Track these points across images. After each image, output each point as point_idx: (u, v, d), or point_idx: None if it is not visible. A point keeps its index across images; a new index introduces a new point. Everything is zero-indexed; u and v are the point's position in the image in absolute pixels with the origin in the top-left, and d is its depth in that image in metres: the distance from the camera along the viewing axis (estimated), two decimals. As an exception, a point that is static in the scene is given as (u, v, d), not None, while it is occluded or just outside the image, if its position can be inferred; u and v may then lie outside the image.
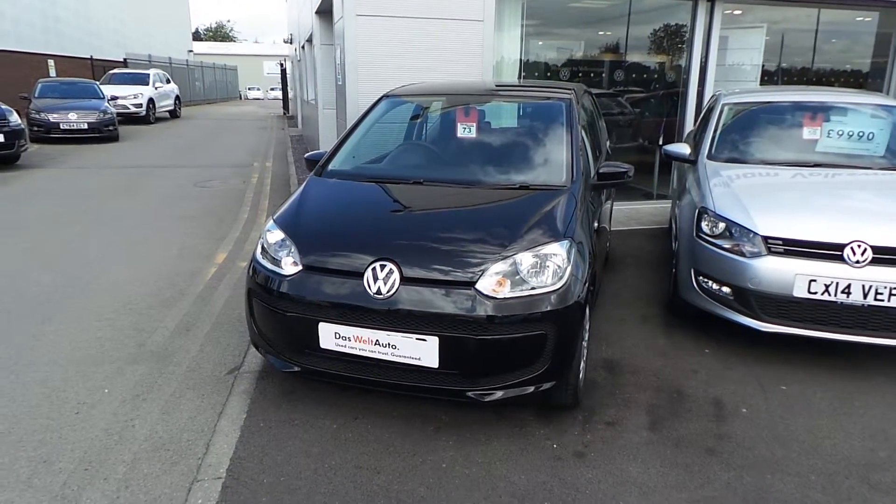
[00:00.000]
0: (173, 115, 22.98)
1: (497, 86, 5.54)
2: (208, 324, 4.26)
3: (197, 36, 61.10)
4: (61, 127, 14.12)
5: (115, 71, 21.88)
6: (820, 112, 4.94)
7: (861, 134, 4.81)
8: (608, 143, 5.57)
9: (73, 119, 14.19)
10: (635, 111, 8.99)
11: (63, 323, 4.21)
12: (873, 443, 2.99)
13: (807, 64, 9.35)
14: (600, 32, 8.88)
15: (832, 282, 3.47)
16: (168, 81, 23.11)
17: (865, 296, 3.44)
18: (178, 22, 38.83)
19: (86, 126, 14.26)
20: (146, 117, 19.66)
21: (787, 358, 3.82)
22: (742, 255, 3.73)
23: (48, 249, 5.96)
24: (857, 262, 3.45)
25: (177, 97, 23.46)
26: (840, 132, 4.84)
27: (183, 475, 2.68)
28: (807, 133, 4.85)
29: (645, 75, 8.94)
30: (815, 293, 3.51)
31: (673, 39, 8.72)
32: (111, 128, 14.73)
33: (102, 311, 4.43)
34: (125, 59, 27.31)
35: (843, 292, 3.47)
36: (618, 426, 3.09)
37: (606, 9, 8.61)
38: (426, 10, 6.73)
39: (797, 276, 3.53)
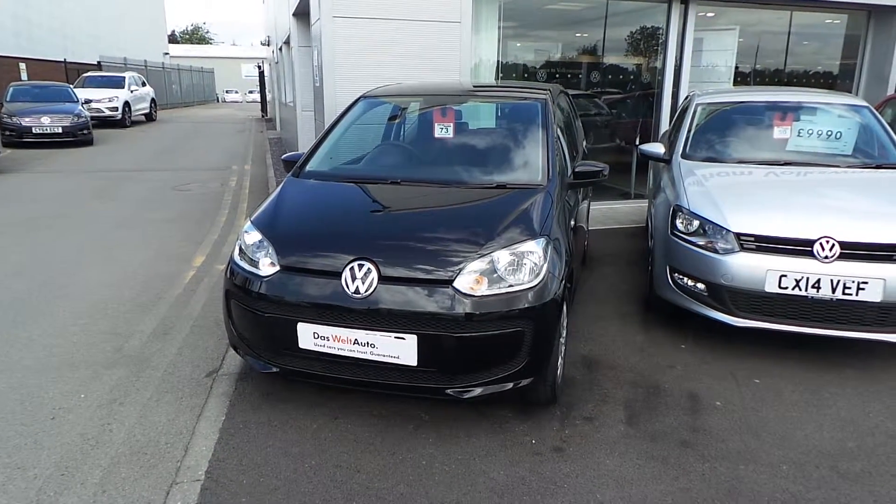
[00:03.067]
0: (149, 118, 22.71)
1: (474, 87, 5.58)
2: (186, 327, 4.23)
3: (173, 38, 60.44)
4: (34, 131, 13.89)
5: (90, 74, 21.55)
6: (790, 112, 5.05)
7: (830, 133, 4.93)
8: (584, 142, 5.63)
9: (47, 123, 13.97)
10: (612, 112, 9.09)
11: (37, 328, 4.16)
12: (843, 433, 3.07)
13: (779, 65, 9.54)
14: (577, 34, 8.98)
15: (802, 277, 3.56)
16: (144, 84, 22.83)
17: (834, 290, 3.53)
18: (153, 24, 38.37)
19: (59, 130, 14.04)
20: (121, 121, 19.39)
21: (760, 352, 3.90)
22: (715, 251, 3.80)
23: (22, 254, 5.87)
24: (826, 257, 3.54)
25: (153, 100, 23.18)
26: (810, 131, 4.96)
27: (161, 478, 2.66)
28: (778, 132, 4.96)
29: (621, 76, 9.05)
30: (786, 288, 3.59)
31: (649, 41, 8.84)
32: (85, 132, 14.52)
33: (78, 315, 4.38)
34: (99, 62, 26.93)
35: (812, 287, 3.55)
36: (595, 421, 3.13)
37: (583, 11, 8.71)
38: (403, 11, 6.76)
39: (768, 272, 3.61)
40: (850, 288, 3.51)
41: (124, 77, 20.92)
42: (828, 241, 3.54)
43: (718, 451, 2.89)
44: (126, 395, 3.33)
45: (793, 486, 2.66)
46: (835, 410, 3.27)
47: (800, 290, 3.57)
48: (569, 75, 8.69)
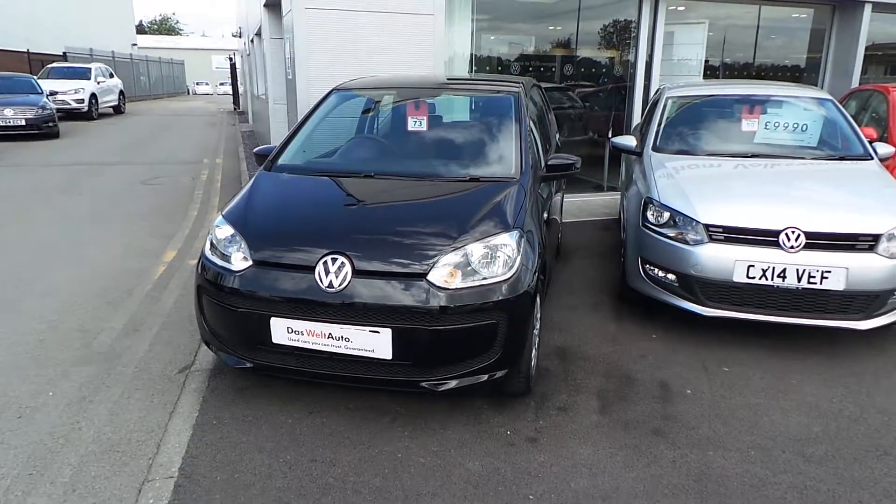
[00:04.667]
0: (117, 110, 22.20)
1: (447, 80, 5.58)
2: (158, 323, 4.17)
3: (141, 29, 59.12)
4: (-4, 124, 13.51)
5: (55, 65, 20.97)
6: (757, 105, 5.15)
7: (796, 125, 5.03)
8: (557, 135, 5.67)
9: (10, 115, 13.57)
10: (585, 105, 9.16)
11: (2, 325, 4.06)
12: (808, 418, 3.16)
13: (748, 59, 9.70)
14: (550, 27, 9.01)
15: (769, 267, 3.64)
16: (111, 76, 22.31)
17: (800, 279, 3.61)
18: (120, 15, 37.43)
19: (23, 122, 13.65)
20: (88, 113, 18.93)
21: (730, 341, 3.98)
22: (685, 242, 3.86)
23: (-15, 251, 5.72)
24: (792, 247, 3.62)
25: (121, 92, 22.66)
26: (776, 124, 5.05)
27: (133, 476, 2.63)
28: (745, 125, 5.05)
29: (594, 70, 9.12)
30: (754, 278, 3.67)
31: (621, 35, 8.91)
32: (51, 124, 14.14)
33: (45, 312, 4.29)
34: (65, 53, 26.24)
35: (779, 276, 3.63)
36: (569, 411, 3.17)
37: (556, 4, 8.74)
38: (376, 3, 6.71)
39: (736, 262, 3.68)
40: (814, 277, 3.60)
41: (91, 68, 20.41)
42: (793, 232, 3.62)
43: (688, 438, 2.96)
44: (96, 393, 3.28)
45: (760, 470, 2.73)
46: (800, 396, 3.36)
47: (767, 279, 3.65)
48: (542, 68, 8.73)
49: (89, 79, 19.65)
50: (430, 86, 4.72)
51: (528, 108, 4.07)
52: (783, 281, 3.64)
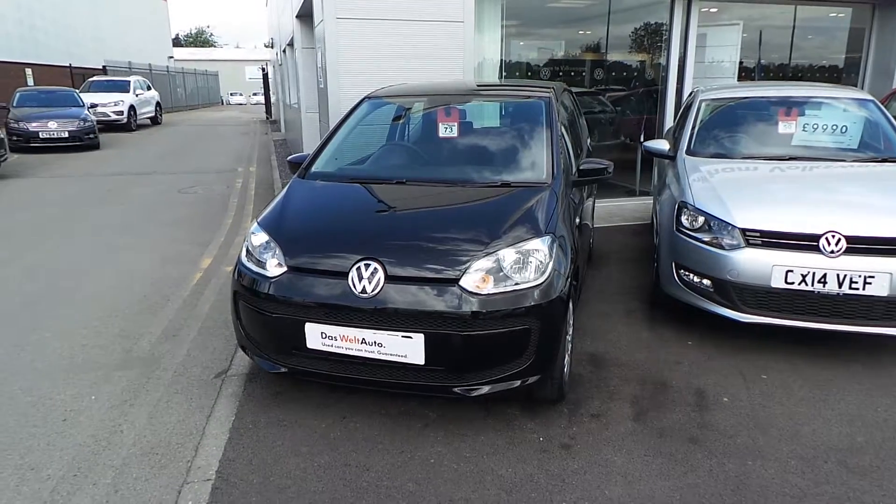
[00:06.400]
0: (154, 121, 22.84)
1: (478, 86, 5.59)
2: (195, 328, 4.26)
3: (177, 42, 60.68)
4: (41, 136, 13.99)
5: (95, 78, 21.68)
6: (795, 106, 5.04)
7: (835, 127, 4.91)
8: (589, 140, 5.63)
9: (53, 128, 14.07)
10: (616, 109, 9.09)
11: (48, 331, 4.19)
12: (851, 428, 3.07)
13: (784, 60, 9.51)
14: (580, 32, 8.98)
15: (808, 272, 3.55)
16: (149, 88, 22.96)
17: (840, 285, 3.52)
18: (157, 28, 38.51)
19: (66, 134, 14.14)
20: (127, 125, 19.52)
21: (767, 347, 3.89)
22: (721, 247, 3.80)
23: (31, 258, 5.92)
24: (832, 252, 3.53)
25: (158, 104, 23.31)
26: (815, 126, 4.94)
27: (172, 478, 2.69)
28: (783, 127, 4.94)
29: (625, 73, 9.05)
30: (793, 283, 3.58)
31: (652, 38, 8.83)
32: (92, 136, 14.62)
33: (87, 318, 4.41)
34: (104, 67, 27.08)
35: (819, 282, 3.54)
36: (603, 418, 3.13)
37: (586, 8, 8.70)
38: (406, 12, 6.77)
39: (774, 267, 3.60)
40: (856, 282, 3.50)
41: (129, 81, 21.05)
42: (834, 236, 3.53)
43: (726, 447, 2.90)
44: (136, 397, 3.36)
45: (801, 481, 2.66)
46: (843, 405, 3.27)
47: (806, 284, 3.56)
48: (572, 73, 8.70)
49: (128, 91, 20.27)
50: (461, 92, 4.74)
51: (559, 113, 4.06)
52: (823, 286, 3.54)
